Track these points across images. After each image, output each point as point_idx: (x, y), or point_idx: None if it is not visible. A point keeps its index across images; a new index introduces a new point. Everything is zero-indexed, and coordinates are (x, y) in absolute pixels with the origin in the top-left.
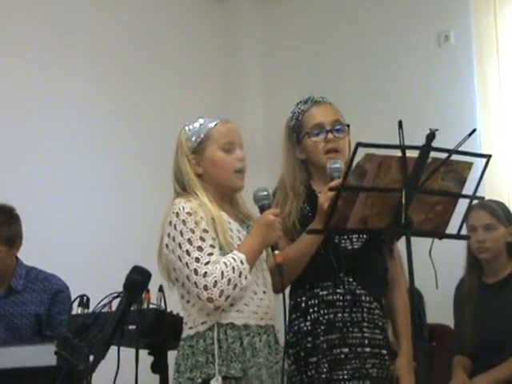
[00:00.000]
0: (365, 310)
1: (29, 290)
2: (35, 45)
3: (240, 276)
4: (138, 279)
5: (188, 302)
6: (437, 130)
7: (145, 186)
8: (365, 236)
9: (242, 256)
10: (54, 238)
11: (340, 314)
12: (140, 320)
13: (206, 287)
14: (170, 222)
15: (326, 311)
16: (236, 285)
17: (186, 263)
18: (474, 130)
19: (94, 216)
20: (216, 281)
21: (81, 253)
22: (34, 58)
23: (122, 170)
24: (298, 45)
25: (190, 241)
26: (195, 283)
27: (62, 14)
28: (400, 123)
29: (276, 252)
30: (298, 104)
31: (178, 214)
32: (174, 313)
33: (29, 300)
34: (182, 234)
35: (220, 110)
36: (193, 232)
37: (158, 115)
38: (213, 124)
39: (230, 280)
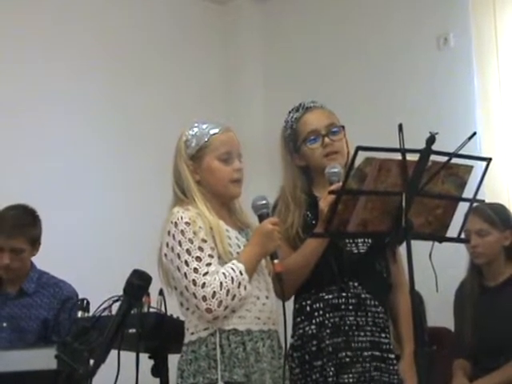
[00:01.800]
0: (369, 313)
1: (39, 295)
2: (35, 43)
3: (239, 287)
4: (138, 283)
5: (188, 309)
6: (437, 133)
7: (146, 189)
8: (370, 240)
9: (241, 266)
10: (53, 241)
11: (345, 318)
12: (140, 324)
13: (204, 298)
14: (169, 232)
15: (331, 315)
16: (235, 295)
17: (185, 274)
18: (474, 134)
19: (95, 219)
20: (215, 292)
21: (81, 256)
22: (35, 56)
23: (123, 173)
24: (298, 47)
25: (188, 251)
26: (194, 294)
27: (63, 14)
28: (400, 126)
29: (275, 261)
30: (290, 112)
31: (176, 224)
32: (175, 316)
33: (38, 304)
34: (180, 244)
35: (220, 112)
36: (191, 242)
37: (157, 117)
38: (212, 132)
39: (228, 291)
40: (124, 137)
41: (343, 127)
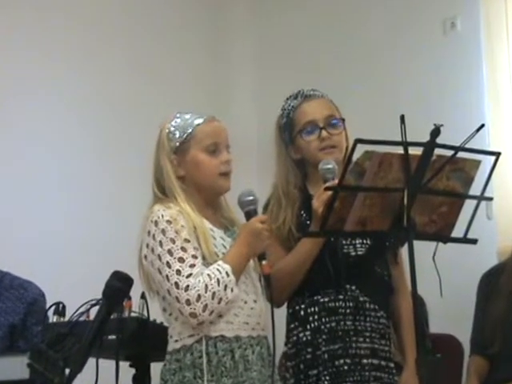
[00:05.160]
0: (368, 318)
1: (2, 299)
2: (17, 31)
3: (225, 289)
4: (118, 285)
5: (171, 314)
6: (442, 125)
7: (128, 185)
8: (369, 242)
9: (228, 267)
10: (27, 240)
11: (342, 322)
12: (121, 329)
13: (188, 302)
14: (149, 232)
15: (327, 319)
16: (221, 299)
17: (167, 276)
18: (483, 126)
19: (71, 217)
20: (199, 295)
21: (56, 256)
22: (17, 44)
23: (102, 170)
24: (293, 33)
25: (170, 252)
26: (176, 297)
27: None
28: (402, 118)
29: (263, 262)
30: (287, 99)
31: (156, 223)
32: (158, 322)
33: (3, 310)
34: (161, 244)
35: (209, 103)
36: (173, 242)
37: (144, 107)
38: (197, 122)
39: (214, 294)
40: (106, 128)
41: (343, 120)
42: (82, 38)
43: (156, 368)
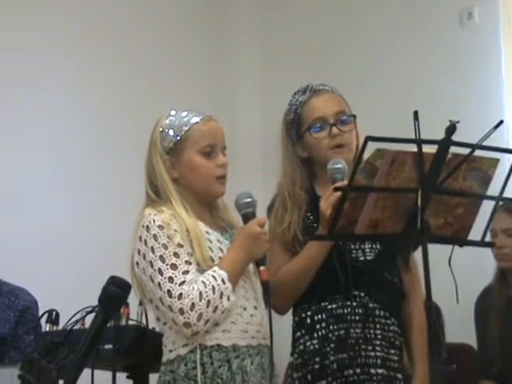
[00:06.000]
0: (378, 325)
1: None
2: (21, 34)
3: (221, 297)
4: (115, 291)
5: (165, 324)
6: (458, 121)
7: (125, 187)
8: (378, 246)
9: (224, 274)
10: (19, 246)
11: (352, 330)
12: (117, 338)
13: (181, 311)
14: (140, 238)
15: (335, 327)
16: (217, 307)
17: (159, 284)
18: (501, 122)
19: (65, 220)
20: (193, 303)
21: (49, 262)
22: (13, 40)
23: (101, 171)
24: (299, 28)
25: (162, 258)
26: (169, 306)
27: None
28: (416, 114)
29: (261, 268)
30: (295, 94)
31: (148, 228)
32: (157, 330)
33: None
34: (153, 250)
35: (213, 100)
36: (165, 248)
37: (144, 107)
38: (193, 121)
39: (209, 302)
40: (106, 129)
41: (355, 117)
42: (82, 37)
43: (155, 379)
